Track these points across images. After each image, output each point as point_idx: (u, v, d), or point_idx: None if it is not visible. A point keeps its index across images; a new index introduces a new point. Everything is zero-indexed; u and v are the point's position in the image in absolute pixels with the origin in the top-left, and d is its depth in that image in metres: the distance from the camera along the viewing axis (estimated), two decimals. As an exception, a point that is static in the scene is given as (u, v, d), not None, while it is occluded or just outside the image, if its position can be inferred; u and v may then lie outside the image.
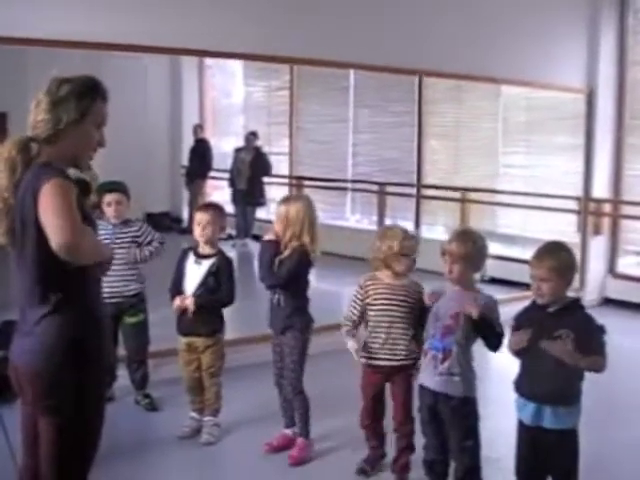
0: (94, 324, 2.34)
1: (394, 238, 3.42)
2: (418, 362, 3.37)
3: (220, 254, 3.93)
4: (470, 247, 3.08)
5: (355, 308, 3.51)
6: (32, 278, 2.25)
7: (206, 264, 3.90)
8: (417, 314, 3.39)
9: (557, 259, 2.85)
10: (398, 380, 3.48)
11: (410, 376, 3.46)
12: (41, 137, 2.29)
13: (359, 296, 3.50)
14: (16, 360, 2.32)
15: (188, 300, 3.85)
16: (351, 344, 3.45)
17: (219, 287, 3.88)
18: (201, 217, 3.90)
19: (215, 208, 4.03)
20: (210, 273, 3.87)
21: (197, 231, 3.91)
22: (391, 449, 3.60)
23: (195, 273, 3.91)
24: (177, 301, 3.87)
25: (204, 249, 3.94)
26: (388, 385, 3.54)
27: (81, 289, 2.30)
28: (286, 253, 3.65)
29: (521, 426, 2.95)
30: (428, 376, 3.16)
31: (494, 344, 3.09)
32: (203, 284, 3.87)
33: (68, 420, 2.28)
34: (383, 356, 3.45)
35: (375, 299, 3.46)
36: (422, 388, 3.21)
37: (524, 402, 2.91)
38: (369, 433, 3.61)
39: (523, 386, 2.92)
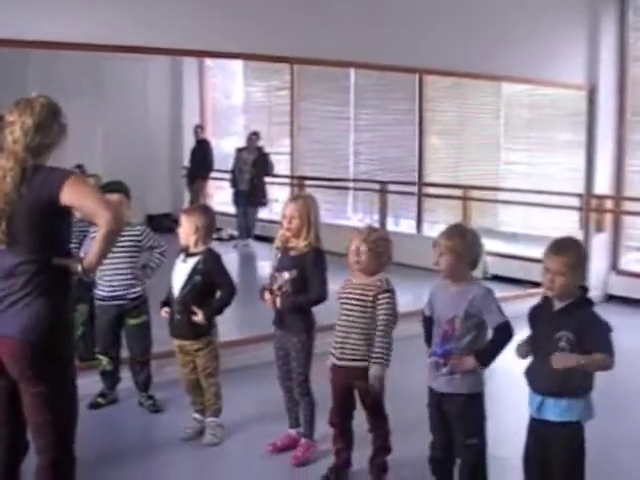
0: (68, 302, 2.71)
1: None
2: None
3: (207, 251, 3.91)
4: (457, 241, 3.06)
5: None
6: (21, 258, 2.54)
7: (191, 262, 3.90)
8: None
9: (573, 254, 2.88)
10: (361, 382, 3.39)
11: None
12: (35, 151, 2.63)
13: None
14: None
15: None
16: None
17: (209, 286, 3.87)
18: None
19: (192, 213, 4.00)
20: (195, 271, 3.87)
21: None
22: (366, 449, 3.53)
23: (182, 271, 3.91)
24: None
25: (193, 248, 3.93)
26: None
27: (63, 271, 2.64)
28: (310, 260, 3.61)
29: (530, 420, 2.95)
30: (432, 378, 3.14)
31: (502, 346, 3.07)
32: (188, 282, 3.86)
33: (56, 386, 2.59)
34: (342, 357, 3.41)
35: (340, 299, 3.46)
36: (430, 389, 3.20)
37: (531, 395, 2.91)
38: (336, 433, 3.55)
39: (529, 379, 2.92)
